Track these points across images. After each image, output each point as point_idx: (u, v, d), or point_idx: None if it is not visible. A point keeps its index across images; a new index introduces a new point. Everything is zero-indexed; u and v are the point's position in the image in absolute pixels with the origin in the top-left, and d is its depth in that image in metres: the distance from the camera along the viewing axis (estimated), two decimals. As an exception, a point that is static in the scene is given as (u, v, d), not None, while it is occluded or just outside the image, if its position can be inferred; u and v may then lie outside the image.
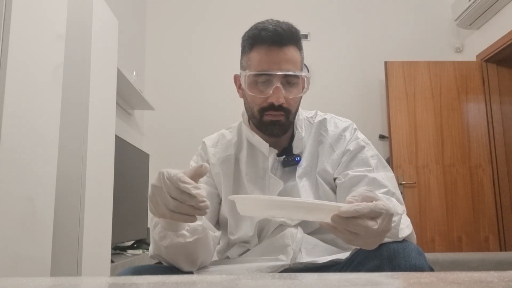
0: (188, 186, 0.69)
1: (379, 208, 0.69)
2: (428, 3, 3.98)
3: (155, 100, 3.60)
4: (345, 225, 0.67)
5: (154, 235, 0.86)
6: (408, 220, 0.92)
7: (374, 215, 0.68)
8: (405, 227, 0.86)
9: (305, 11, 3.92)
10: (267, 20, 1.03)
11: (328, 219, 0.68)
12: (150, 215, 0.83)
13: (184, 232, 0.85)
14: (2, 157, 1.18)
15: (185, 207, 0.70)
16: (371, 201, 0.70)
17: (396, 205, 0.85)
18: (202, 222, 0.88)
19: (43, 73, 1.44)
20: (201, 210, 0.71)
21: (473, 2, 3.36)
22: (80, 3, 1.82)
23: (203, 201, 0.70)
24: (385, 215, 0.69)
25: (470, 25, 3.65)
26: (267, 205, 0.72)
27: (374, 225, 0.68)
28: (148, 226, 2.92)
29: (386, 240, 0.82)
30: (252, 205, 0.73)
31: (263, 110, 1.02)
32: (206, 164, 0.74)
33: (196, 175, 0.73)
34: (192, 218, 0.73)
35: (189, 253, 0.88)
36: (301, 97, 1.07)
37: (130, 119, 3.40)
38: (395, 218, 0.81)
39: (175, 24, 3.92)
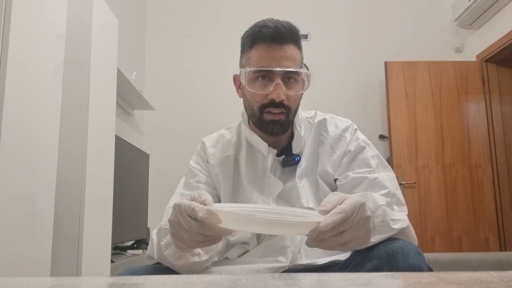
0: (210, 225, 0.71)
1: (352, 205, 0.70)
2: (428, 3, 3.98)
3: (155, 100, 3.60)
4: (326, 234, 0.68)
5: (167, 256, 0.87)
6: (405, 216, 0.91)
7: (350, 214, 0.69)
8: (398, 220, 0.85)
9: (305, 11, 3.92)
10: (267, 19, 1.04)
11: (306, 231, 0.69)
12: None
13: (199, 250, 0.88)
14: (2, 157, 1.18)
15: (211, 237, 0.73)
16: (341, 202, 0.71)
17: (376, 197, 0.85)
18: None
19: (43, 73, 1.44)
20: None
21: (473, 2, 3.36)
22: (80, 3, 1.82)
23: (226, 231, 0.72)
24: (358, 206, 0.71)
25: (470, 25, 3.65)
26: (243, 220, 0.70)
27: (349, 219, 0.70)
28: (148, 226, 2.93)
29: (382, 236, 0.82)
30: (228, 219, 0.71)
31: (263, 107, 1.02)
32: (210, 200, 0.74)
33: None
34: (219, 240, 0.75)
35: (201, 267, 0.91)
36: (301, 96, 1.07)
37: (130, 119, 3.40)
38: (379, 211, 0.82)
39: (175, 24, 3.92)
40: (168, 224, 0.89)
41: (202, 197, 0.73)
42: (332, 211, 0.69)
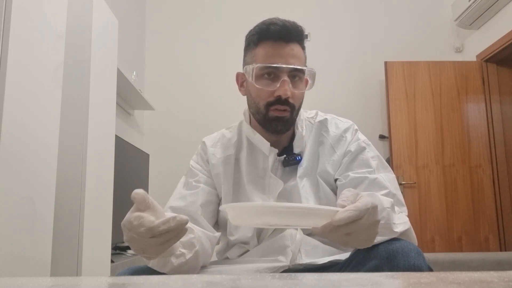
0: (152, 226, 0.67)
1: (366, 206, 0.69)
2: (428, 3, 3.98)
3: (155, 100, 3.60)
4: (338, 231, 0.68)
5: (153, 267, 0.85)
6: (406, 218, 0.92)
7: (363, 214, 0.68)
8: (400, 223, 0.86)
9: (305, 11, 3.92)
10: (274, 18, 1.05)
11: (321, 224, 0.68)
12: None
13: (182, 250, 0.85)
14: (2, 157, 1.18)
15: (168, 233, 0.69)
16: (355, 200, 0.70)
17: (382, 199, 0.85)
18: (194, 233, 0.89)
19: (43, 73, 1.43)
20: (180, 222, 0.69)
21: (473, 2, 3.36)
22: (80, 3, 1.82)
23: (173, 219, 0.68)
24: (370, 209, 0.70)
25: (470, 25, 3.65)
26: (256, 212, 0.70)
27: (361, 221, 0.69)
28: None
29: (383, 238, 0.82)
30: (242, 214, 0.71)
31: (269, 104, 1.02)
32: (149, 200, 0.71)
33: (142, 204, 0.70)
34: (183, 232, 0.71)
35: (192, 266, 0.89)
36: (304, 94, 1.08)
37: (130, 119, 3.40)
38: (384, 214, 0.81)
39: (175, 24, 3.92)
40: None
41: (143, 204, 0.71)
42: (347, 207, 0.68)
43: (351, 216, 0.67)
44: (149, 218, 0.69)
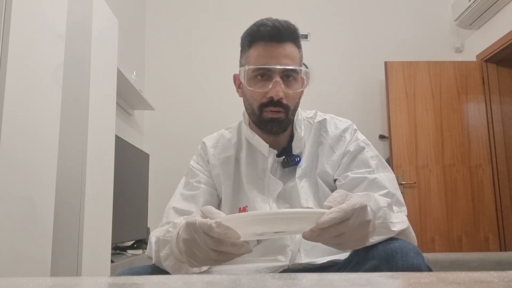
0: (228, 241, 0.69)
1: (352, 206, 0.69)
2: (428, 3, 3.98)
3: (155, 100, 3.60)
4: (326, 233, 0.68)
5: (166, 267, 0.86)
6: (404, 217, 0.91)
7: (350, 215, 0.69)
8: (398, 222, 0.86)
9: (305, 11, 3.92)
10: (266, 18, 1.04)
11: (309, 228, 0.69)
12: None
13: None
14: (2, 157, 1.18)
15: (227, 255, 0.71)
16: (343, 201, 0.71)
17: (378, 199, 0.85)
18: None
19: (43, 73, 1.43)
20: (246, 252, 0.71)
21: (473, 2, 3.36)
22: (80, 3, 1.82)
23: (244, 248, 0.71)
24: (358, 209, 0.70)
25: (470, 25, 3.65)
26: (246, 222, 0.69)
27: (349, 222, 0.69)
28: (148, 226, 2.93)
29: (381, 237, 0.82)
30: (233, 225, 0.70)
31: (262, 106, 1.02)
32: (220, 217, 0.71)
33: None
34: (234, 257, 0.73)
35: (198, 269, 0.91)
36: (301, 94, 1.07)
37: (130, 119, 3.40)
38: (380, 213, 0.81)
39: (175, 24, 3.92)
40: (167, 235, 0.88)
41: (215, 215, 0.71)
42: (332, 209, 0.68)
43: (336, 217, 0.67)
44: (235, 234, 0.69)
